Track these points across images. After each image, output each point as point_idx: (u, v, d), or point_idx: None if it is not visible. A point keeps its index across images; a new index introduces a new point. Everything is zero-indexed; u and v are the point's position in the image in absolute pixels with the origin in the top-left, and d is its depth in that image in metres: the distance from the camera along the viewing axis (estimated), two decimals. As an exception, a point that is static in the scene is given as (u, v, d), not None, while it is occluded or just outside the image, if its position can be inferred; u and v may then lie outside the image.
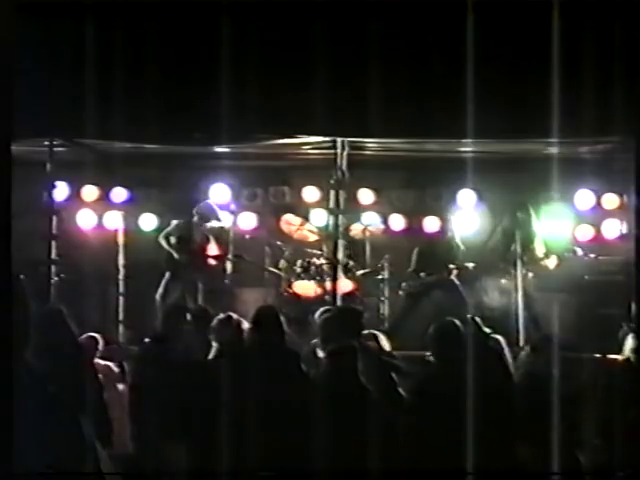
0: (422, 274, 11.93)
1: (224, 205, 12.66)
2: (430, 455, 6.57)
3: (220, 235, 12.35)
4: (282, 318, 7.50)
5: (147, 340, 8.34)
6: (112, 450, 7.26)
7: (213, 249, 12.30)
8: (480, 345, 7.37)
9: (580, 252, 12.27)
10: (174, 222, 12.26)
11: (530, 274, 11.79)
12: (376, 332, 8.24)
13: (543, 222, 12.10)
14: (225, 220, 12.42)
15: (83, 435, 5.66)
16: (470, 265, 11.81)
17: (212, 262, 12.28)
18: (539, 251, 11.92)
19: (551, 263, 12.01)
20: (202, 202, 12.33)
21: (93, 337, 8.88)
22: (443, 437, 6.59)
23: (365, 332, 8.07)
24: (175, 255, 12.08)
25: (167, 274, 12.10)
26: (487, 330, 7.92)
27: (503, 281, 11.78)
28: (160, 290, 12.01)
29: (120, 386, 8.53)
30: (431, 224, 12.70)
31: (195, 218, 12.21)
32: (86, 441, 5.65)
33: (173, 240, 12.14)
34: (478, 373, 7.06)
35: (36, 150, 11.22)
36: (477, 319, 8.00)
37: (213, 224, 12.23)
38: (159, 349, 7.90)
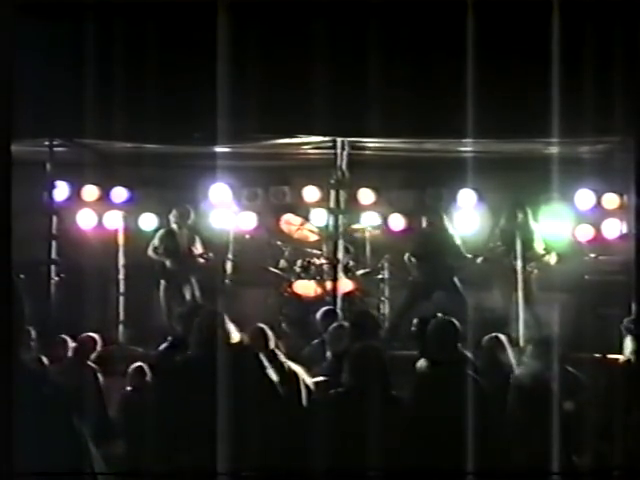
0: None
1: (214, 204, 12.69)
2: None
3: (202, 234, 12.37)
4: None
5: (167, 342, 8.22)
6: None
7: (200, 249, 12.30)
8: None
9: (581, 252, 12.30)
10: (157, 233, 12.32)
11: (530, 274, 11.78)
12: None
13: (543, 222, 12.10)
14: (202, 218, 12.46)
15: (82, 435, 5.66)
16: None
17: (203, 262, 12.29)
18: (539, 251, 11.92)
19: (551, 263, 12.01)
20: (177, 207, 12.34)
21: (92, 337, 8.89)
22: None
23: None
24: (167, 264, 12.11)
25: (162, 282, 12.14)
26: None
27: (504, 280, 11.78)
28: (162, 299, 12.07)
29: (122, 386, 8.52)
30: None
31: (173, 224, 12.24)
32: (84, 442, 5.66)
33: (161, 250, 12.17)
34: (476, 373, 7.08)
35: (36, 150, 11.22)
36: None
37: (190, 225, 12.26)
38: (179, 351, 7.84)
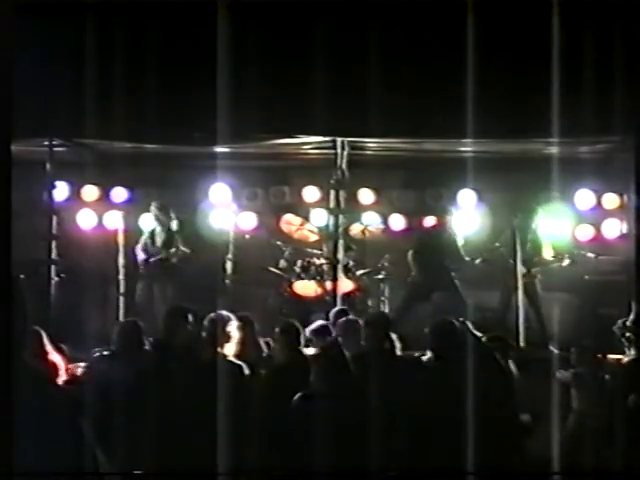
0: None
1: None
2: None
3: (182, 232, 12.30)
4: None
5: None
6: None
7: (182, 247, 12.22)
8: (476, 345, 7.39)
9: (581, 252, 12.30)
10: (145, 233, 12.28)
11: (531, 274, 11.77)
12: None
13: (543, 222, 12.09)
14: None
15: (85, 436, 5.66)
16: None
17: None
18: (539, 251, 11.91)
19: (551, 263, 12.00)
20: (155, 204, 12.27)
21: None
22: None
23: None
24: (160, 262, 12.07)
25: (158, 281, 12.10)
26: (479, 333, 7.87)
27: (505, 281, 11.77)
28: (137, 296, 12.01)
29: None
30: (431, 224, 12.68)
31: (155, 223, 12.19)
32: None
33: (150, 247, 12.13)
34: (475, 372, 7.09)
35: (36, 150, 11.22)
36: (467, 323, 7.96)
37: (169, 223, 12.20)
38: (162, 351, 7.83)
